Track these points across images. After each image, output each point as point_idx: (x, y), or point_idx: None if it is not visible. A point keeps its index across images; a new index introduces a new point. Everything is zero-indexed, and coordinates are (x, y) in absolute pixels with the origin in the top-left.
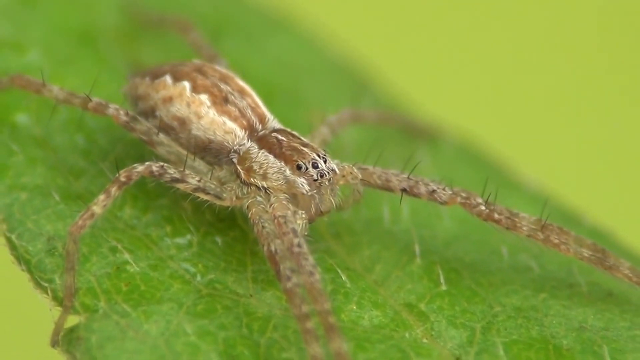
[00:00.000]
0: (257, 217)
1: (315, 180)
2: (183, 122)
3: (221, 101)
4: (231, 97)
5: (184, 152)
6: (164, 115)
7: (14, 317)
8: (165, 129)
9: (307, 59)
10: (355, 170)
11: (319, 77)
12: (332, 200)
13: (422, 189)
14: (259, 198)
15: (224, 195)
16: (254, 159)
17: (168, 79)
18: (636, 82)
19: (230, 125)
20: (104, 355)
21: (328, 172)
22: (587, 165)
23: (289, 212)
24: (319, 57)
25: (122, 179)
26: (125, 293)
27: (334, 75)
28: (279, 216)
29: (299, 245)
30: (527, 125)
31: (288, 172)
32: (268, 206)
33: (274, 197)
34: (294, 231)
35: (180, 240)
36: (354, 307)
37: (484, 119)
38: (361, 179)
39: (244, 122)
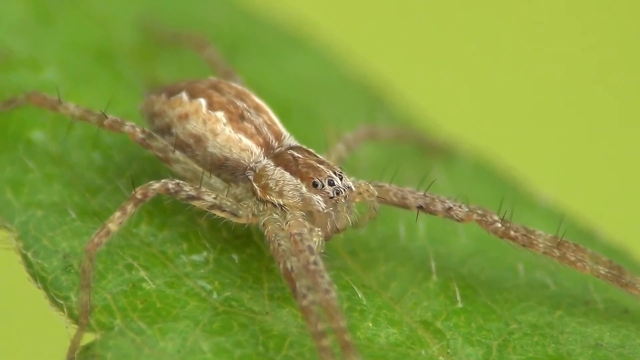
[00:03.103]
0: (273, 235)
1: (332, 197)
2: (199, 139)
3: (237, 118)
4: (247, 114)
5: (200, 169)
6: (180, 132)
7: (30, 335)
8: (181, 146)
9: (322, 75)
10: (372, 187)
11: (334, 93)
12: (348, 218)
13: (439, 207)
14: (275, 215)
15: (240, 212)
16: (270, 177)
17: (184, 96)
18: None
19: (247, 142)
20: None
21: (344, 190)
22: (602, 182)
23: (305, 229)
24: (334, 73)
25: (138, 196)
26: (141, 310)
27: (350, 91)
28: (295, 233)
29: (315, 263)
30: (541, 142)
31: (304, 190)
32: (284, 223)
33: (290, 214)
34: (310, 249)
35: (196, 258)
36: (370, 325)
37: (498, 135)
38: (377, 196)
39: (260, 140)
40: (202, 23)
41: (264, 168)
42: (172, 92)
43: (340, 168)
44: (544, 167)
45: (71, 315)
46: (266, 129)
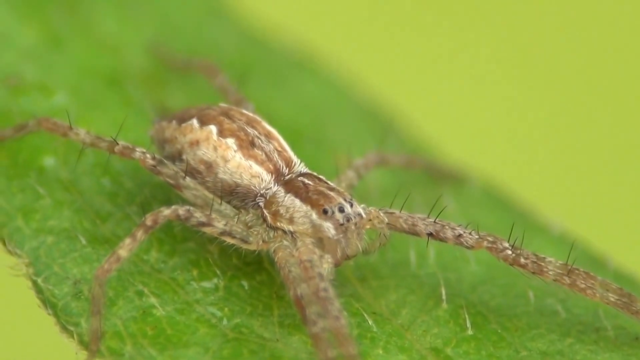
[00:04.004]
0: (284, 261)
1: (342, 224)
2: (210, 165)
3: (248, 145)
4: (258, 141)
5: (211, 195)
6: (191, 158)
7: None
8: (191, 172)
9: (332, 102)
10: (382, 214)
11: (344, 120)
12: (359, 245)
13: (449, 234)
14: (285, 242)
15: (251, 239)
16: (280, 203)
17: (195, 122)
18: None
19: (257, 169)
20: None
21: (354, 217)
22: (613, 209)
23: (315, 256)
24: (344, 99)
25: (149, 222)
26: (151, 337)
27: (359, 117)
28: (305, 260)
29: (325, 290)
30: (550, 168)
31: (314, 216)
32: (294, 250)
33: (300, 241)
34: (320, 275)
35: (206, 284)
36: (381, 352)
37: (508, 162)
38: (387, 223)
39: (271, 166)
40: (213, 49)
41: (274, 195)
42: (183, 118)
43: (351, 195)
44: (554, 194)
45: (81, 342)
46: (277, 156)
